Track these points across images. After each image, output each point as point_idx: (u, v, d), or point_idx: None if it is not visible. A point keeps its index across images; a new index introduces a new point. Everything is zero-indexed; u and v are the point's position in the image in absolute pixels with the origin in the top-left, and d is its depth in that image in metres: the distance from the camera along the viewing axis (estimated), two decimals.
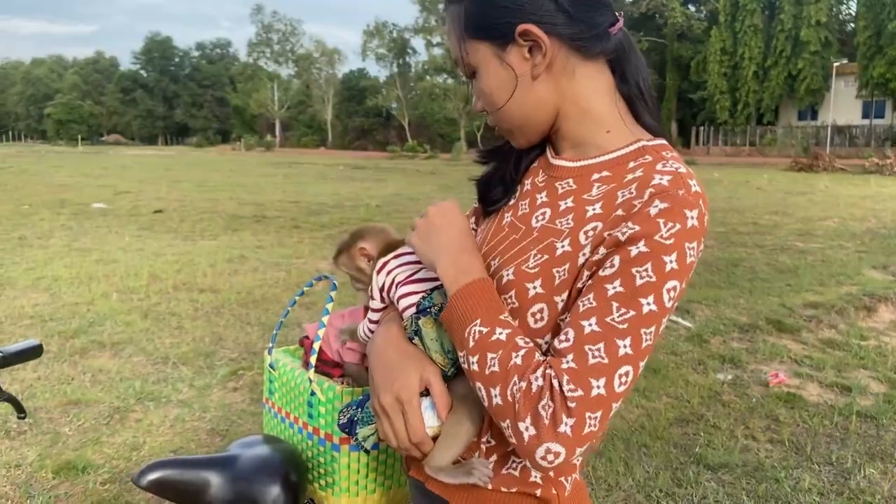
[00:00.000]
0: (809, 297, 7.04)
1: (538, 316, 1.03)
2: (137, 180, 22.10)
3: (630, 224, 0.97)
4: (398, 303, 1.16)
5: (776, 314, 6.35)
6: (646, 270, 0.95)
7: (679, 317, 6.15)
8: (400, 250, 1.22)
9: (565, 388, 0.92)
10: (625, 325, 0.94)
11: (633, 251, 0.96)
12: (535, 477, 1.09)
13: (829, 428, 4.07)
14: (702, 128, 50.45)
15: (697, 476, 3.46)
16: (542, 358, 0.97)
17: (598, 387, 0.93)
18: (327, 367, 1.42)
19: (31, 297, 6.60)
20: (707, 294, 7.11)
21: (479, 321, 1.00)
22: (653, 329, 0.96)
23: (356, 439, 1.16)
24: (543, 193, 1.14)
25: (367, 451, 1.23)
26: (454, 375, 1.09)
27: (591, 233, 1.02)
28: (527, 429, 0.93)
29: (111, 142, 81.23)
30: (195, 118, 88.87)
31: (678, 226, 0.96)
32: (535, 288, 1.04)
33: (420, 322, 1.10)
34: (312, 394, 1.35)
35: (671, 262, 0.95)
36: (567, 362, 0.94)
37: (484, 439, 1.10)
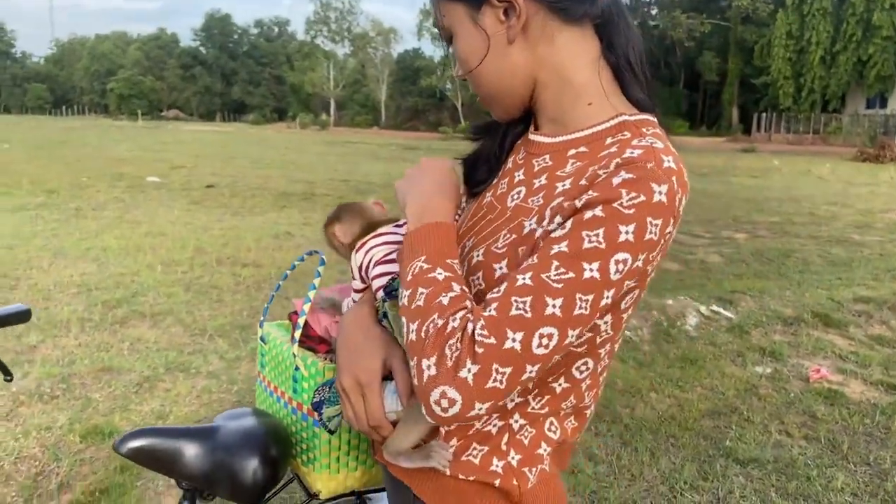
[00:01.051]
0: (861, 292, 6.79)
1: None
2: (193, 156, 22.50)
3: (590, 192, 0.92)
4: (372, 283, 1.14)
5: (823, 308, 6.13)
6: (596, 235, 0.89)
7: (720, 307, 6.00)
8: (382, 229, 1.19)
9: (478, 332, 0.88)
10: (559, 285, 0.89)
11: (588, 214, 0.91)
12: (496, 466, 1.04)
13: (870, 427, 3.92)
14: (764, 114, 49.00)
15: (725, 470, 3.37)
16: (469, 304, 0.93)
17: (514, 340, 0.88)
18: (313, 342, 1.40)
19: (80, 267, 6.78)
20: (753, 284, 6.91)
21: (423, 258, 0.98)
22: (591, 298, 0.90)
23: (321, 419, 1.15)
24: (521, 171, 1.10)
25: (331, 432, 1.23)
26: None
27: (556, 208, 0.97)
28: (428, 367, 0.89)
29: (170, 117, 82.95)
30: (252, 95, 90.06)
31: (642, 197, 0.90)
32: (500, 268, 0.99)
33: (387, 305, 1.07)
34: (296, 369, 1.34)
35: (626, 232, 0.89)
36: (489, 310, 0.90)
37: None
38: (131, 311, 5.43)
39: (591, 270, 0.89)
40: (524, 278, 0.90)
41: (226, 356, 4.55)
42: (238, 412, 1.43)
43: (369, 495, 1.47)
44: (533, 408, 1.04)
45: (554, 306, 0.89)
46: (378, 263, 1.14)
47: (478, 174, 1.18)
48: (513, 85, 1.06)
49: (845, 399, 4.28)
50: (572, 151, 1.03)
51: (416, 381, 0.91)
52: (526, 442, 1.06)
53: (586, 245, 0.89)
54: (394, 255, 1.13)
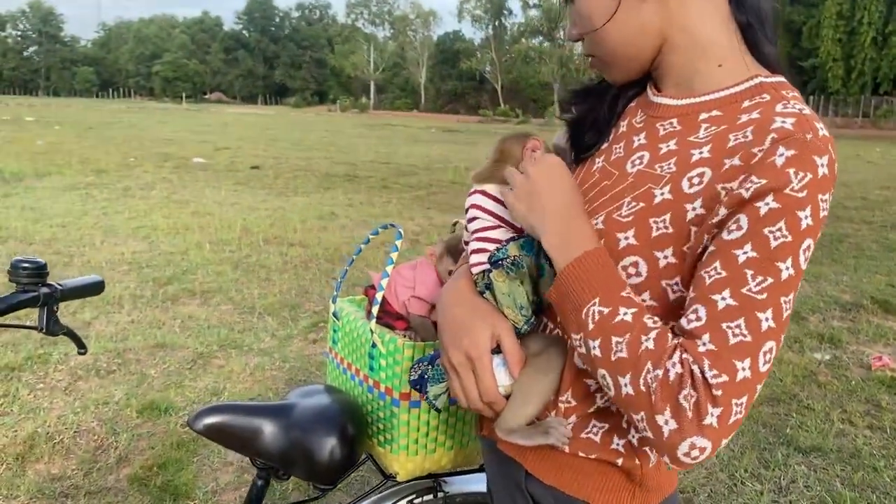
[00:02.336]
0: None
1: (631, 270, 0.93)
2: (236, 137, 22.72)
3: (754, 178, 0.84)
4: (470, 256, 1.07)
5: (883, 294, 5.95)
6: (780, 230, 0.82)
7: None
8: (489, 187, 1.08)
9: (707, 374, 0.81)
10: (764, 296, 0.82)
11: (763, 208, 0.83)
12: (617, 444, 0.99)
13: None
14: (811, 97, 47.81)
15: (787, 458, 3.27)
16: (675, 341, 0.85)
17: (744, 369, 0.81)
18: (391, 318, 1.35)
19: (131, 245, 6.87)
20: (807, 270, 6.71)
21: (597, 300, 0.88)
22: (791, 296, 0.84)
23: (427, 397, 1.10)
24: (641, 135, 1.02)
25: (437, 410, 1.15)
26: (527, 332, 1.01)
27: (696, 180, 0.90)
28: (666, 422, 0.82)
29: (214, 100, 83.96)
30: (293, 78, 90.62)
31: (809, 175, 0.83)
32: (626, 238, 0.93)
33: (492, 275, 1.01)
34: (374, 346, 1.29)
35: (806, 217, 0.83)
36: (704, 344, 0.82)
37: (563, 398, 1.00)
38: (181, 288, 5.48)
39: (787, 268, 0.83)
40: (725, 299, 0.83)
41: (276, 334, 4.56)
42: (311, 389, 1.39)
43: (446, 478, 1.42)
44: None
45: (767, 319, 0.83)
46: (476, 236, 1.06)
47: (586, 138, 1.10)
48: (640, 45, 0.98)
49: None
50: (704, 115, 0.96)
51: (651, 435, 0.84)
52: None
53: (774, 244, 0.83)
54: (491, 232, 1.05)
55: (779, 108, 0.89)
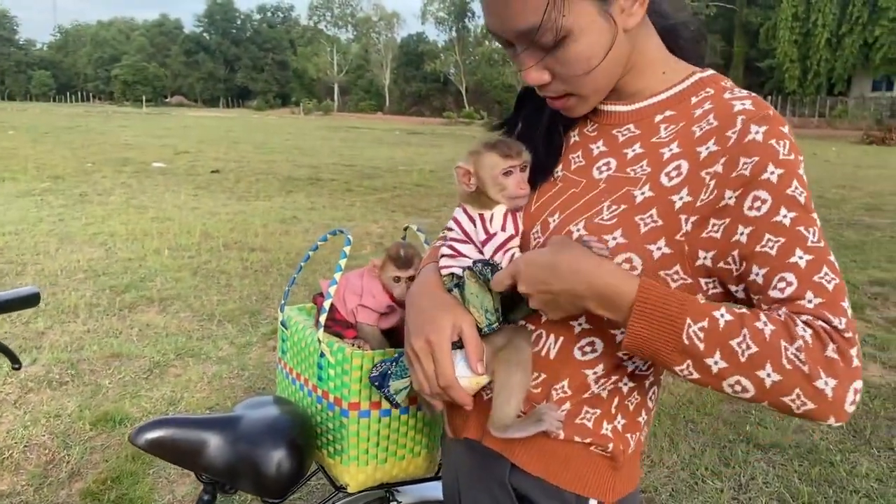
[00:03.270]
0: (876, 274, 6.72)
1: (625, 266, 0.95)
2: (197, 141, 22.42)
3: (743, 158, 0.91)
4: (440, 258, 1.12)
5: None
6: (796, 188, 0.91)
7: None
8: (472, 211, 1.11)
9: (834, 322, 0.87)
10: (822, 243, 0.91)
11: (773, 178, 0.90)
12: (607, 429, 1.04)
13: (892, 411, 3.85)
14: (769, 97, 48.60)
15: (746, 455, 3.31)
16: (783, 311, 0.89)
17: (848, 307, 0.89)
18: (340, 326, 1.33)
19: (87, 252, 6.72)
20: None
21: (688, 320, 0.88)
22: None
23: (388, 393, 1.14)
24: (600, 143, 1.07)
25: (397, 406, 1.18)
26: (488, 334, 1.04)
27: (674, 173, 0.96)
28: (826, 383, 0.85)
29: (175, 103, 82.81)
30: (256, 81, 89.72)
31: (787, 142, 0.92)
32: (615, 239, 0.96)
33: (465, 274, 1.04)
34: (322, 355, 1.27)
35: (803, 175, 0.92)
36: (811, 301, 0.88)
37: (558, 387, 1.04)
38: (139, 296, 5.37)
39: (816, 217, 0.92)
40: (802, 257, 0.89)
41: (236, 341, 4.49)
42: (260, 400, 1.36)
43: (399, 488, 1.40)
44: (640, 369, 1.05)
45: (834, 261, 0.91)
46: (449, 243, 1.10)
47: (550, 165, 1.10)
48: (618, 75, 1.01)
49: (865, 383, 4.20)
50: (659, 117, 1.02)
51: (813, 405, 0.86)
52: (631, 407, 1.06)
53: (801, 199, 0.90)
54: (460, 246, 1.08)
55: (727, 95, 0.97)
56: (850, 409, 0.86)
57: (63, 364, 3.99)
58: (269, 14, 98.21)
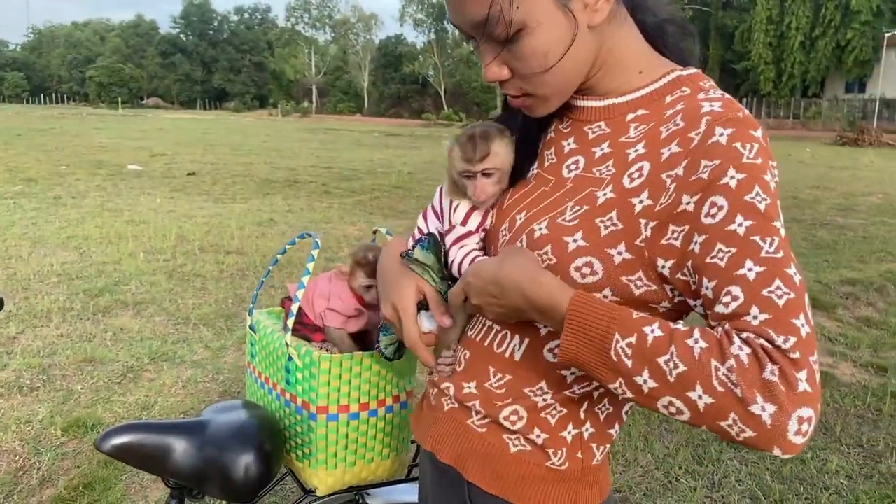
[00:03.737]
0: (847, 274, 6.81)
1: (586, 270, 0.92)
2: (174, 143, 22.23)
3: (705, 161, 0.85)
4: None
5: (811, 290, 6.04)
6: (758, 194, 0.84)
7: None
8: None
9: (777, 341, 0.78)
10: (781, 253, 0.82)
11: (732, 182, 0.84)
12: (568, 433, 1.03)
13: (861, 409, 3.91)
14: (744, 99, 49.08)
15: (720, 454, 3.34)
16: (722, 328, 0.82)
17: (803, 325, 0.80)
18: (308, 330, 1.33)
19: (61, 256, 6.64)
20: None
21: (617, 335, 0.84)
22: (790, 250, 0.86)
23: (378, 348, 1.21)
24: (571, 140, 1.03)
25: (388, 359, 1.23)
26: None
27: (636, 174, 0.92)
28: (763, 409, 0.77)
29: (151, 105, 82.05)
30: (233, 83, 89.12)
31: (755, 145, 0.86)
32: (575, 241, 0.93)
33: (416, 251, 1.11)
34: (290, 359, 1.27)
35: (770, 180, 0.86)
36: (756, 317, 0.80)
37: (535, 388, 1.01)
38: (114, 300, 5.32)
39: (781, 226, 0.85)
40: (752, 269, 0.82)
41: (211, 345, 4.46)
42: (228, 405, 1.36)
43: (369, 491, 1.40)
44: None
45: (794, 274, 0.82)
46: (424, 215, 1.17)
47: (525, 166, 1.08)
48: (582, 73, 0.97)
49: (836, 381, 4.27)
50: (631, 115, 0.98)
51: (752, 432, 0.78)
52: (602, 416, 1.03)
53: (762, 206, 0.83)
54: (430, 222, 1.16)
55: (701, 95, 0.92)
56: (796, 440, 0.77)
57: (34, 369, 3.95)
58: (246, 15, 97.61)
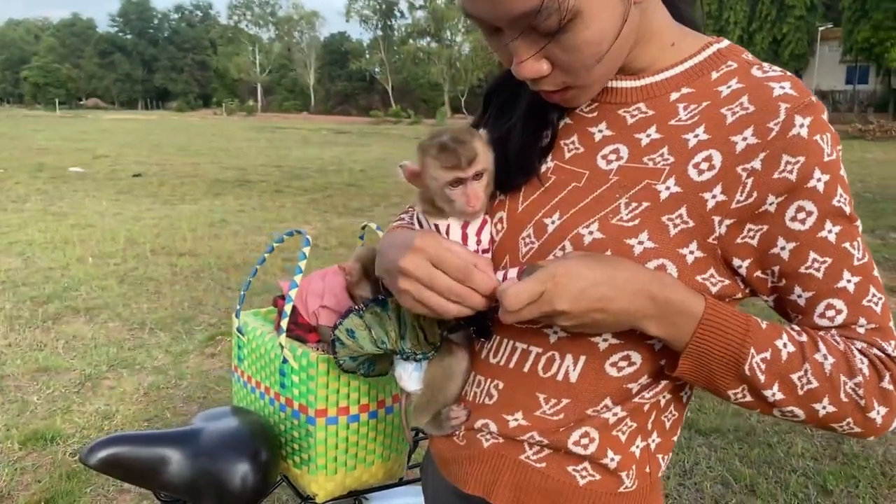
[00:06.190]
0: None
1: None
2: (117, 144, 21.67)
3: (787, 157, 0.79)
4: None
5: None
6: (841, 195, 0.82)
7: None
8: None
9: (888, 349, 0.83)
10: (866, 257, 0.84)
11: (819, 186, 0.80)
12: (636, 448, 0.91)
13: None
14: None
15: (689, 441, 3.37)
16: (841, 338, 0.83)
17: (894, 326, 0.85)
18: (302, 330, 1.28)
19: (3, 262, 6.40)
20: None
21: (752, 351, 0.80)
22: None
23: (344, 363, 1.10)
24: (602, 126, 0.90)
25: (345, 370, 1.10)
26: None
27: (705, 166, 0.82)
28: (878, 412, 0.82)
29: (90, 106, 79.91)
30: (175, 82, 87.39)
31: (829, 135, 0.81)
32: (640, 243, 0.82)
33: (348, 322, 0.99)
34: (284, 361, 1.21)
35: (845, 174, 0.83)
36: (863, 327, 0.83)
37: (599, 407, 0.89)
38: (64, 306, 5.14)
39: (858, 221, 0.85)
40: (850, 281, 0.83)
41: (171, 350, 4.34)
42: (218, 412, 1.30)
43: (368, 495, 1.36)
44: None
45: (878, 275, 0.85)
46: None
47: (536, 163, 0.93)
48: (626, 54, 0.86)
49: None
50: (675, 95, 0.87)
51: (860, 430, 0.84)
52: (668, 424, 0.93)
53: (847, 209, 0.82)
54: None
55: (757, 73, 0.84)
56: (888, 431, 0.85)
57: None
58: (187, 13, 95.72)
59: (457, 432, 0.96)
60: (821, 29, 43.76)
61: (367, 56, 70.42)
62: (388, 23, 72.48)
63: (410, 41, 68.15)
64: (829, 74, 44.76)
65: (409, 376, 0.98)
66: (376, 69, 70.88)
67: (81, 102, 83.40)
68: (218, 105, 72.34)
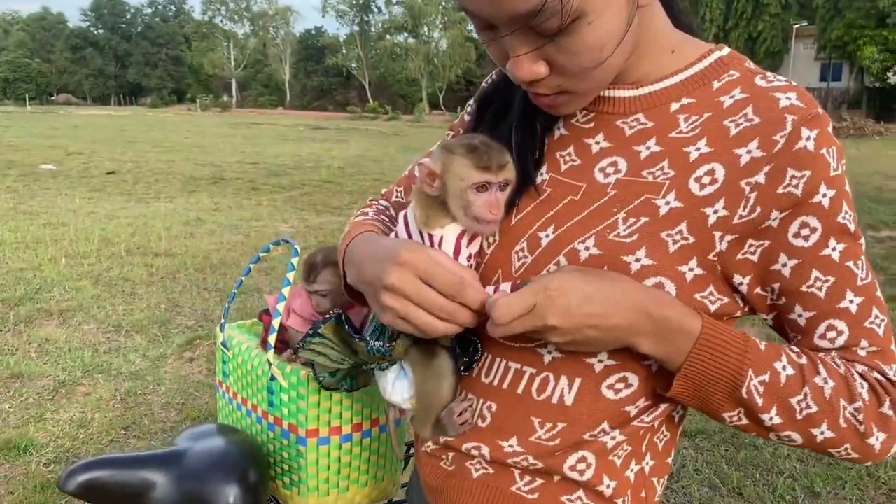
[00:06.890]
0: None
1: None
2: (89, 141, 21.32)
3: (792, 171, 0.76)
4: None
5: None
6: (846, 212, 0.79)
7: None
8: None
9: (889, 373, 0.81)
10: (869, 277, 0.82)
11: (824, 201, 0.77)
12: (631, 473, 0.88)
13: None
14: None
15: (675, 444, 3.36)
16: (841, 361, 0.81)
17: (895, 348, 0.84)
18: (289, 346, 1.22)
19: None
20: None
21: (750, 373, 0.77)
22: None
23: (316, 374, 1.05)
24: (599, 137, 0.86)
25: (324, 387, 1.06)
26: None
27: (707, 179, 0.78)
28: (876, 438, 0.80)
29: (61, 101, 78.72)
30: (149, 77, 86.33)
31: (834, 148, 0.78)
32: (638, 260, 0.79)
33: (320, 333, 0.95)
34: (272, 379, 1.16)
35: (849, 189, 0.81)
36: (864, 349, 0.81)
37: (596, 431, 0.85)
38: (36, 308, 5.02)
39: (862, 238, 0.82)
40: (853, 301, 0.80)
41: (148, 354, 4.25)
42: (203, 430, 1.24)
43: None
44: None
45: (879, 294, 0.83)
46: None
47: (532, 172, 0.89)
48: (625, 61, 0.81)
49: None
50: (675, 105, 0.83)
51: (857, 456, 0.82)
52: (660, 445, 0.90)
53: (851, 226, 0.80)
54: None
55: (761, 82, 0.81)
56: (887, 456, 0.84)
57: None
58: (160, 7, 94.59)
59: (443, 456, 0.92)
60: (795, 27, 44.24)
61: (344, 51, 70.07)
62: (365, 18, 72.16)
63: (388, 36, 67.89)
64: (804, 72, 45.26)
65: (393, 387, 0.93)
66: (353, 65, 70.60)
67: (52, 98, 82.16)
68: (192, 101, 71.62)
